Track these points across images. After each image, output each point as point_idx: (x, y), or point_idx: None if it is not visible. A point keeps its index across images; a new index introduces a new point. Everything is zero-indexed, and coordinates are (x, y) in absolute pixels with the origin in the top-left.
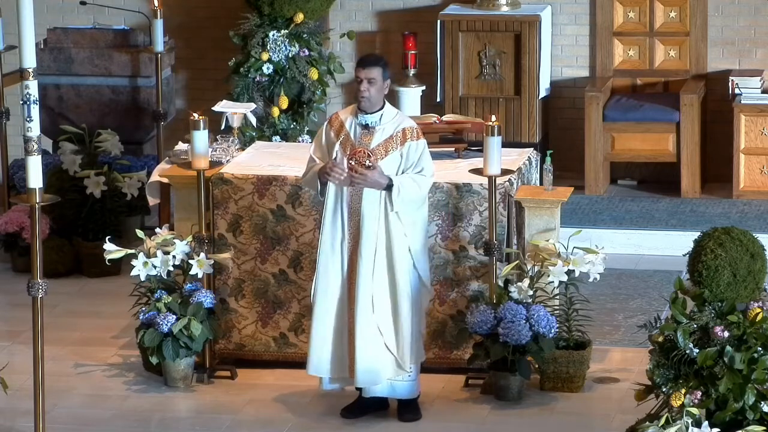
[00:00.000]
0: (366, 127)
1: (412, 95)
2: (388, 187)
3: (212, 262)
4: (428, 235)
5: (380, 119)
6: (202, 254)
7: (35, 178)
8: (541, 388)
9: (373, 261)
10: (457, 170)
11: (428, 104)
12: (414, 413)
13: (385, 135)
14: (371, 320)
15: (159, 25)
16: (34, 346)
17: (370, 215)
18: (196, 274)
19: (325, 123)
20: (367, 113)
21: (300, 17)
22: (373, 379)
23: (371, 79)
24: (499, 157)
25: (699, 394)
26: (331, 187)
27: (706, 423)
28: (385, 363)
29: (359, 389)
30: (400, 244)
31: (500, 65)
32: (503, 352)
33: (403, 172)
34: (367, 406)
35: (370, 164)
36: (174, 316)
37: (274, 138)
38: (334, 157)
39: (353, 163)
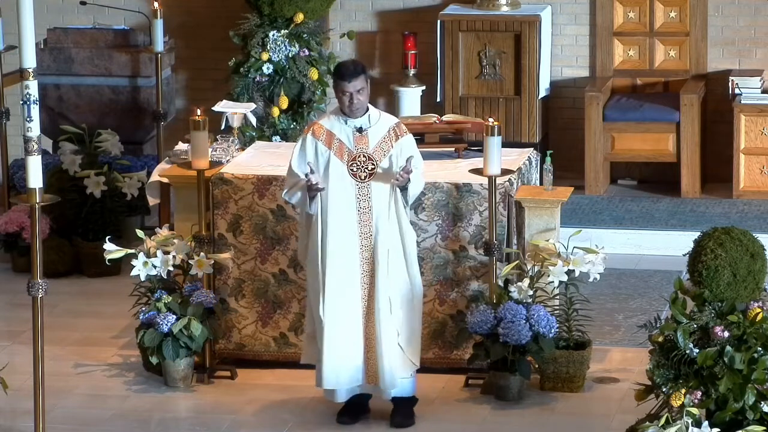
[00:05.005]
0: (360, 130)
1: (412, 95)
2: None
3: (212, 262)
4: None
5: (369, 120)
6: (202, 254)
7: (35, 178)
8: (541, 388)
9: (387, 260)
10: (457, 170)
11: (428, 104)
12: (405, 417)
13: (378, 136)
14: (391, 322)
15: (159, 25)
16: (34, 346)
17: (382, 213)
18: (196, 274)
19: (306, 136)
20: (354, 117)
21: (300, 17)
22: (394, 381)
23: (360, 90)
24: (499, 157)
25: (699, 394)
26: (333, 190)
27: (706, 423)
28: (399, 363)
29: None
30: (410, 240)
31: (500, 65)
32: (503, 352)
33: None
34: (359, 410)
35: (373, 167)
36: (174, 316)
37: (274, 138)
38: (310, 171)
39: (355, 169)
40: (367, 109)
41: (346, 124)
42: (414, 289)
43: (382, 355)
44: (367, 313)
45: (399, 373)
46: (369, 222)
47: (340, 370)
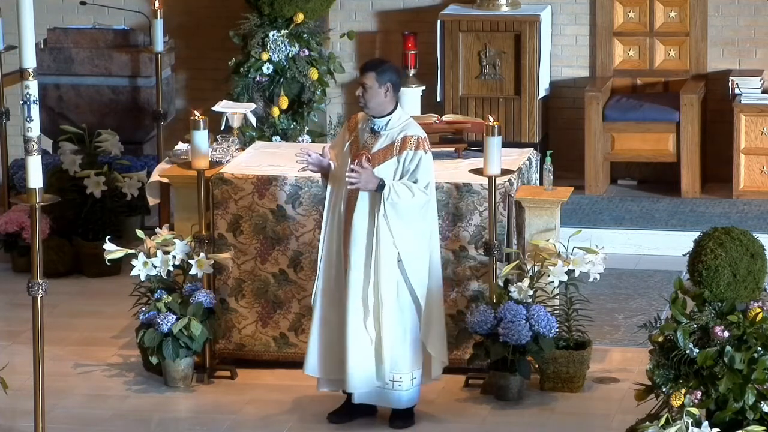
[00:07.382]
0: (373, 131)
1: (412, 95)
2: (381, 189)
3: (212, 262)
4: (431, 251)
5: (386, 125)
6: (202, 254)
7: (35, 178)
8: (541, 388)
9: (363, 267)
10: (457, 170)
11: (428, 104)
12: (404, 420)
13: (387, 141)
14: (361, 326)
15: (159, 25)
16: (34, 346)
17: (361, 220)
18: (196, 274)
19: (346, 122)
20: (375, 117)
21: (300, 17)
22: (362, 385)
23: (364, 85)
24: (499, 157)
25: (699, 394)
26: (330, 191)
27: (706, 423)
28: (373, 370)
29: (348, 393)
30: (386, 253)
31: (500, 65)
32: (503, 352)
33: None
34: (354, 411)
35: (356, 165)
36: (174, 316)
37: (274, 138)
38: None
39: (354, 166)
40: (391, 113)
41: (369, 121)
42: (385, 304)
43: (348, 356)
44: (346, 312)
45: (374, 381)
46: (350, 221)
47: (319, 359)
